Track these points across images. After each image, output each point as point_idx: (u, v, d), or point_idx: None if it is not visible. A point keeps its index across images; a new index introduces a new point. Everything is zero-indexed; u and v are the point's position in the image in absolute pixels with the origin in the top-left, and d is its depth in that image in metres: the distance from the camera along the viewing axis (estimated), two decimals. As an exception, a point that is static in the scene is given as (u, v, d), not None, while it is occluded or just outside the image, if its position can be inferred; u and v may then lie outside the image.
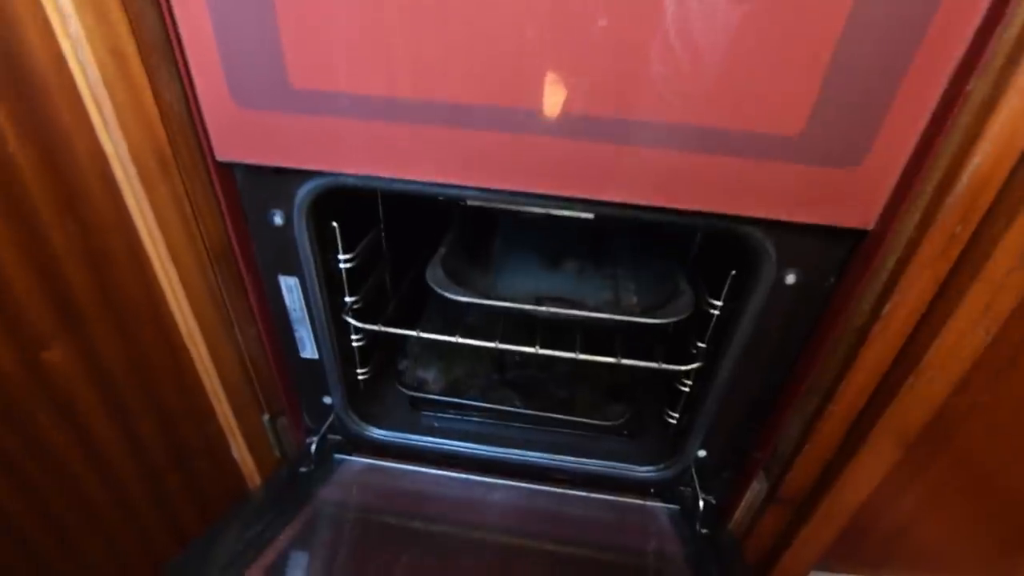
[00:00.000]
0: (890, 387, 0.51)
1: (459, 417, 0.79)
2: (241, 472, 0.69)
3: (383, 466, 0.76)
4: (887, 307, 0.47)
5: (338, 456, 0.76)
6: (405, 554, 0.63)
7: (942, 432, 0.57)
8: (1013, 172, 0.40)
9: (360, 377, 0.76)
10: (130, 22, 0.42)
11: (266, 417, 0.69)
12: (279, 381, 0.68)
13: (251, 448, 0.67)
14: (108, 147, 0.44)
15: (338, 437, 0.76)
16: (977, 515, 0.71)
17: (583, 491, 0.73)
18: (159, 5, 0.44)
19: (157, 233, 0.50)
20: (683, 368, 0.63)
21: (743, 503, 0.69)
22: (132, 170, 0.46)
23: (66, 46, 0.40)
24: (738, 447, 0.67)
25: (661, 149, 0.45)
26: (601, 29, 0.40)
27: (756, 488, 0.68)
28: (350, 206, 0.65)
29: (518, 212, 0.97)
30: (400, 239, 0.81)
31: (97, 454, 0.49)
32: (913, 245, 0.45)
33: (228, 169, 0.54)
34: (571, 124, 0.44)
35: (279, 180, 0.54)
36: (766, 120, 0.43)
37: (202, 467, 0.63)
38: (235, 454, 0.67)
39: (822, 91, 0.41)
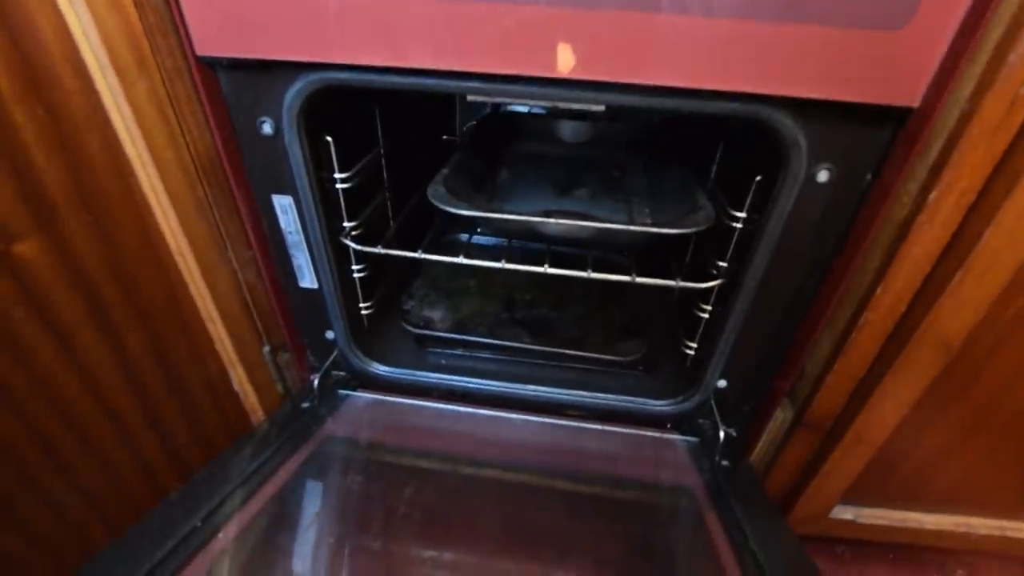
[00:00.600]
0: (934, 288, 0.47)
1: (467, 354, 0.76)
2: (243, 406, 0.67)
3: (389, 401, 0.73)
4: (933, 193, 0.43)
5: (343, 392, 0.74)
6: (411, 487, 0.61)
7: (986, 347, 0.52)
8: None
9: (363, 312, 0.73)
10: None
11: (266, 349, 0.67)
12: (278, 311, 0.66)
13: (252, 380, 0.65)
14: (76, 29, 0.41)
15: (342, 373, 0.74)
16: (1017, 450, 0.67)
17: (597, 424, 0.71)
18: None
19: (138, 134, 0.47)
20: (703, 286, 0.59)
21: (765, 434, 0.66)
22: (105, 59, 0.43)
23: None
24: (761, 374, 0.63)
25: (689, 16, 0.40)
26: None
27: (779, 417, 0.64)
28: (345, 120, 0.61)
29: (520, 143, 0.93)
30: (400, 167, 0.77)
31: (81, 365, 0.47)
32: (967, 117, 0.40)
33: (212, 71, 0.50)
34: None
35: (265, 80, 0.50)
36: (801, -26, 0.38)
37: (200, 395, 0.61)
38: (235, 386, 0.65)
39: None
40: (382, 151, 0.71)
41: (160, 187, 0.50)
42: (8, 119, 0.38)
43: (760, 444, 0.67)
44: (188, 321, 0.57)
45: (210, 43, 0.47)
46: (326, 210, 0.60)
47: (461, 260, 0.62)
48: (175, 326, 0.56)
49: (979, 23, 0.37)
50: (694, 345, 0.69)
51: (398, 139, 0.75)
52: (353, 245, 0.63)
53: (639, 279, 0.59)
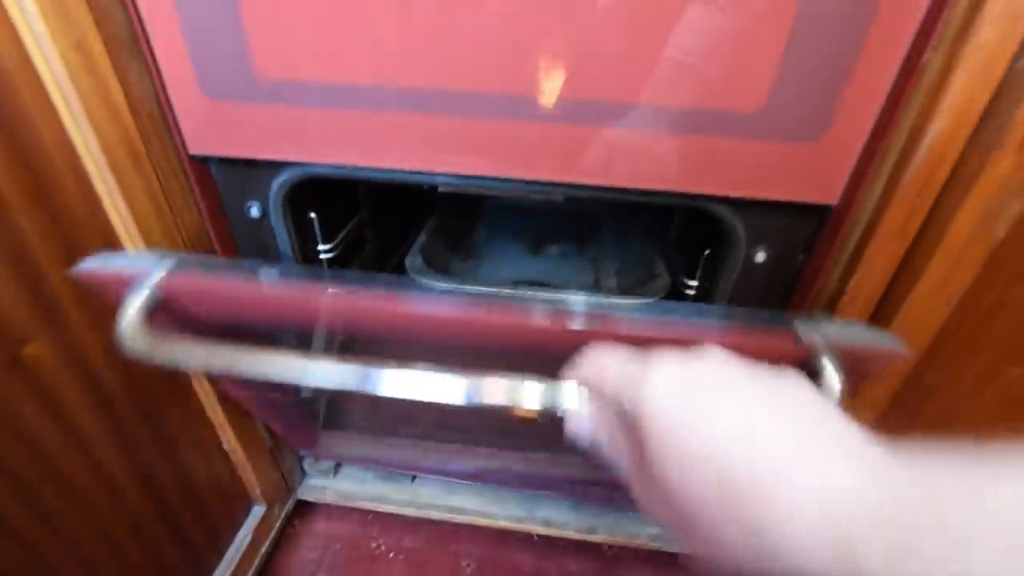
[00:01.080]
0: (859, 359, 0.52)
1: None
2: (236, 472, 0.70)
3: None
4: (852, 282, 0.48)
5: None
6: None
7: (913, 406, 0.58)
8: (970, 140, 0.40)
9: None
10: (94, 17, 0.43)
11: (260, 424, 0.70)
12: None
13: (241, 439, 0.68)
14: (77, 140, 0.45)
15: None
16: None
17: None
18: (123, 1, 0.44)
19: (134, 229, 0.50)
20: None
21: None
22: (104, 164, 0.47)
23: (29, 42, 0.40)
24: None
25: (626, 130, 0.45)
26: (556, 11, 0.40)
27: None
28: (328, 196, 0.65)
29: (498, 197, 0.98)
30: (383, 228, 0.82)
31: (87, 449, 0.50)
32: (875, 219, 0.45)
33: (203, 163, 0.54)
34: (535, 108, 0.45)
35: (253, 172, 0.54)
36: (727, 98, 0.43)
37: (194, 462, 0.64)
38: (225, 446, 0.68)
39: (781, 67, 0.42)
40: (363, 218, 0.75)
41: (154, 272, 0.53)
42: (16, 230, 0.42)
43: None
44: (186, 404, 0.60)
45: (202, 144, 0.51)
46: (311, 280, 0.64)
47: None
48: (175, 412, 0.59)
49: (883, 137, 0.43)
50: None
51: (379, 200, 0.80)
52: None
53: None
